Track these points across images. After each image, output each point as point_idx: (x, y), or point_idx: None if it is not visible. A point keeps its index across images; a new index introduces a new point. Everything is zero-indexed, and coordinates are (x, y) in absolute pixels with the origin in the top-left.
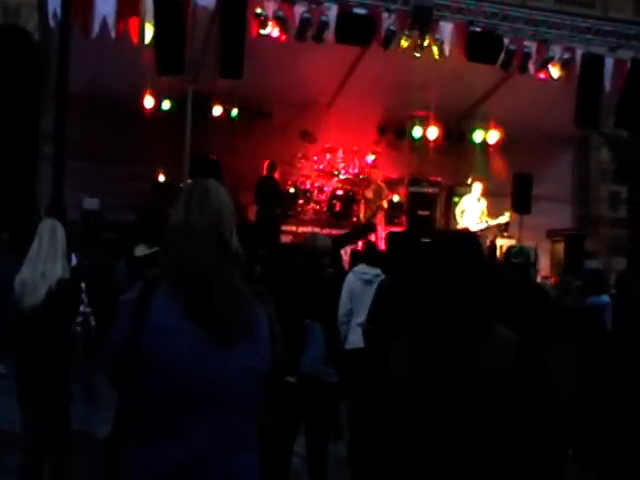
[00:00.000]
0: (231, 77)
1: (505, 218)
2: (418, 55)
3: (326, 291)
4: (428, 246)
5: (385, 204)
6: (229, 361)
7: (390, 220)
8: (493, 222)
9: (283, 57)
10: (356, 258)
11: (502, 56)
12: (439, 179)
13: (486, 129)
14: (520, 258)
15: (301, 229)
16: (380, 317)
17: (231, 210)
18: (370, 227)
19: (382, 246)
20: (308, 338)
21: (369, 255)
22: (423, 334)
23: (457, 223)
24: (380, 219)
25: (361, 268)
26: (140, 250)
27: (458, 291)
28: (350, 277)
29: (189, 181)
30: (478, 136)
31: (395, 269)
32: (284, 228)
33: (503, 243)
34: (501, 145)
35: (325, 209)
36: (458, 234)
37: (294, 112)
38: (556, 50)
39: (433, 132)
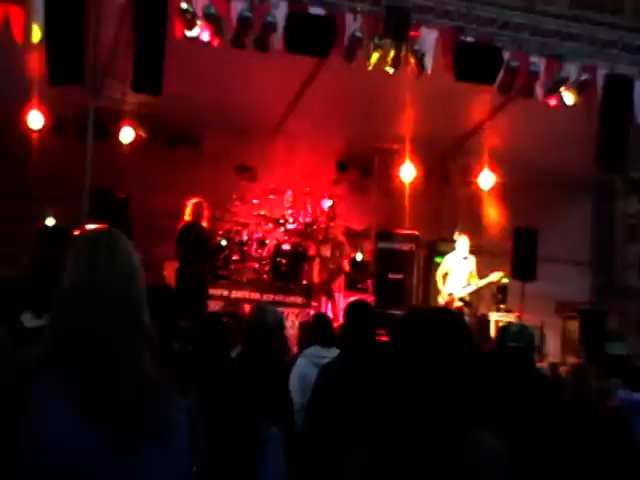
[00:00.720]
0: (147, 92)
1: (498, 275)
2: (391, 71)
3: (281, 382)
4: (400, 324)
5: (346, 264)
6: (135, 472)
7: (352, 285)
8: (483, 282)
9: (215, 68)
10: (307, 334)
11: (501, 75)
12: (416, 232)
13: (478, 169)
14: (520, 341)
15: (235, 294)
16: (322, 415)
17: (141, 271)
18: None
19: (341, 319)
20: (264, 450)
21: (322, 332)
22: (391, 439)
23: (438, 291)
24: (339, 284)
25: (314, 350)
26: (29, 319)
27: (437, 384)
28: (301, 362)
29: (88, 227)
30: (468, 178)
31: (352, 351)
32: (212, 292)
33: (499, 318)
34: (498, 190)
35: (267, 269)
36: (439, 310)
37: (229, 140)
38: (571, 69)
39: (409, 171)
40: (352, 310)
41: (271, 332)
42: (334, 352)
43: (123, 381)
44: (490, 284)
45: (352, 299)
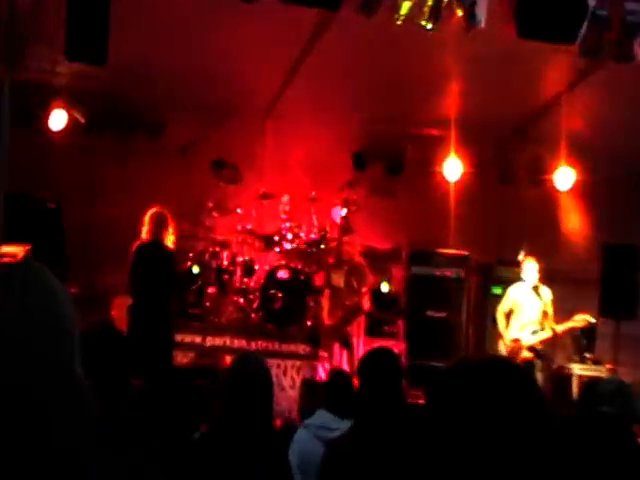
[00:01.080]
0: (86, 60)
1: (582, 319)
2: (429, 27)
3: (278, 464)
4: (443, 382)
5: (367, 300)
6: None
7: (375, 328)
8: (562, 327)
9: (183, 26)
10: (312, 395)
11: (584, 29)
12: (465, 252)
13: (552, 163)
14: (614, 405)
15: (211, 341)
16: None
17: (70, 309)
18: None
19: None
20: None
21: (335, 394)
22: None
23: (500, 335)
24: (358, 326)
25: (321, 418)
26: None
27: (498, 467)
28: (302, 436)
29: (2, 250)
30: (538, 175)
31: (371, 420)
32: (180, 338)
33: (584, 373)
34: (580, 192)
35: (256, 305)
36: (498, 361)
37: (202, 127)
38: None
39: (455, 167)
40: (370, 363)
41: (258, 393)
42: (347, 423)
43: (27, 458)
44: (571, 330)
45: (374, 348)
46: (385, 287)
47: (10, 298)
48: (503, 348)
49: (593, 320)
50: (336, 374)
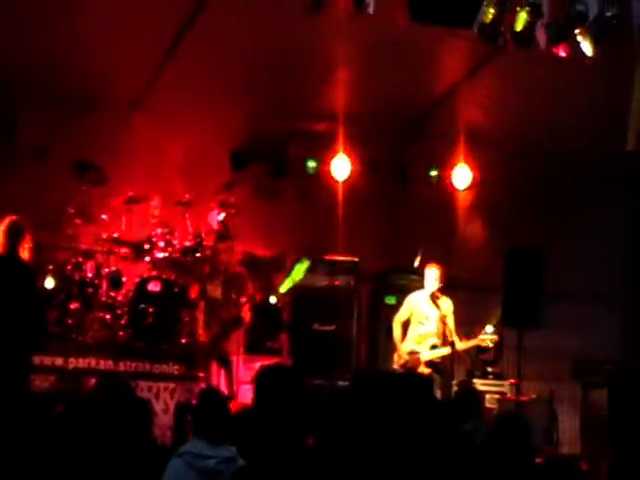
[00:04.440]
0: None
1: (488, 339)
2: (313, 11)
3: None
4: (339, 402)
5: (247, 311)
6: None
7: (256, 344)
8: (464, 345)
9: (36, 5)
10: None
11: (481, 12)
12: (356, 259)
13: (451, 159)
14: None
15: (74, 362)
16: None
17: None
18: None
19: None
20: None
21: (207, 419)
22: None
23: (395, 347)
24: (237, 342)
25: (196, 446)
26: None
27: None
28: (176, 465)
29: None
30: (434, 174)
31: (268, 445)
32: (39, 360)
33: (486, 388)
34: (480, 190)
35: (123, 321)
36: (400, 376)
37: (60, 122)
38: (591, 1)
39: (343, 165)
40: (267, 383)
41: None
42: (226, 450)
43: None
44: (476, 348)
45: (263, 364)
46: (273, 299)
47: None
48: (398, 361)
49: (497, 339)
50: (206, 395)
